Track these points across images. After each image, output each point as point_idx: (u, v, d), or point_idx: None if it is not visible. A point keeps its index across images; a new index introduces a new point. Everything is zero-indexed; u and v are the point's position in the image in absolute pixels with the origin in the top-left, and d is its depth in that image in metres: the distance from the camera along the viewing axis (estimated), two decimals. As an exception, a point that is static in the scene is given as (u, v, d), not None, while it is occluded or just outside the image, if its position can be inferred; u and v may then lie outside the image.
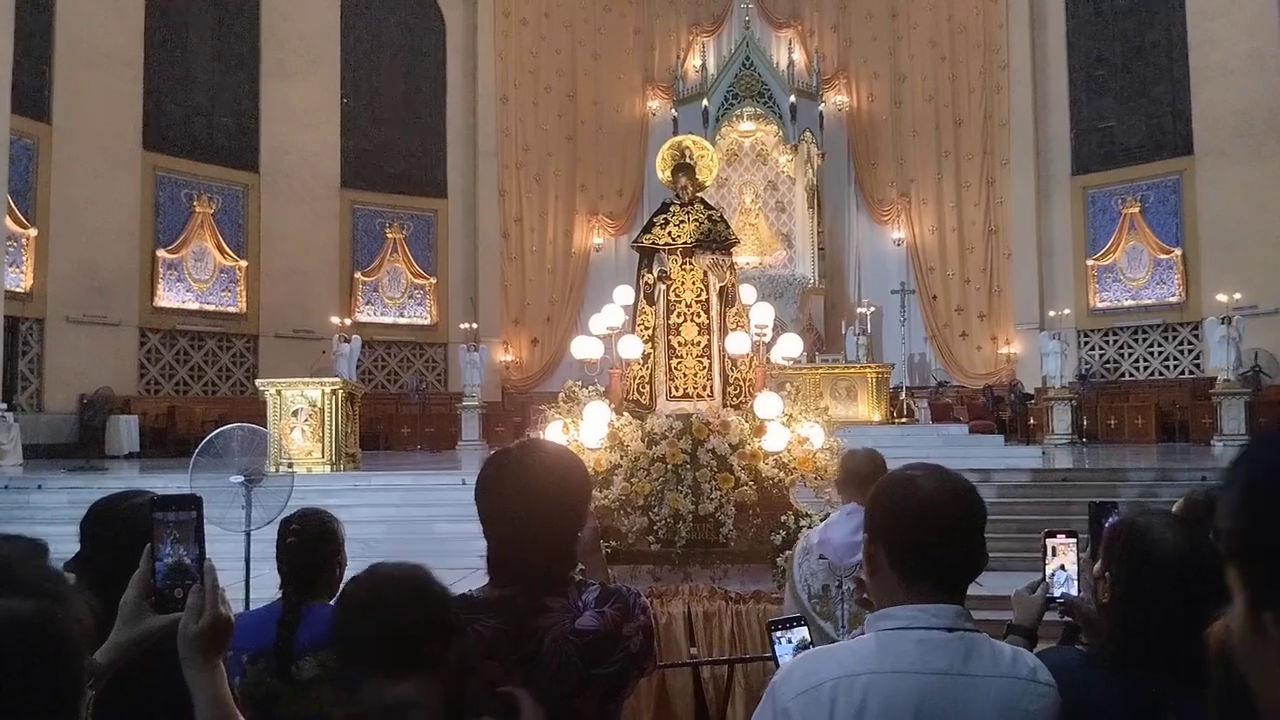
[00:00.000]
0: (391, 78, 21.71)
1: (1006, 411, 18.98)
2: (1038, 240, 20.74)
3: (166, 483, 9.44)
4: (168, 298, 18.45)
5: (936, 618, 1.55)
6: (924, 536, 1.58)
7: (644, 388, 5.90)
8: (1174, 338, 19.46)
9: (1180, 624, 1.59)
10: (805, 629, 2.25)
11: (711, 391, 5.86)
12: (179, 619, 1.42)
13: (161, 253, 18.31)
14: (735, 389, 5.86)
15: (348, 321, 18.80)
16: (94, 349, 16.96)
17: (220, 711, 1.40)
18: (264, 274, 19.55)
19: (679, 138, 6.46)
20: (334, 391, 12.52)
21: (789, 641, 2.19)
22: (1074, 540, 2.11)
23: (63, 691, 1.00)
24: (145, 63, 18.30)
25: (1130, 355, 20.01)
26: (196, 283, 18.84)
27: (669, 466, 5.25)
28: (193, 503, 1.50)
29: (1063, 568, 2.09)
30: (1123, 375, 20.00)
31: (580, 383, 5.75)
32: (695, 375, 5.90)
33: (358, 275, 20.93)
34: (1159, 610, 1.67)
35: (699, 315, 5.95)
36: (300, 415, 12.39)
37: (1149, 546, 1.74)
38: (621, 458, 5.34)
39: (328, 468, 12.19)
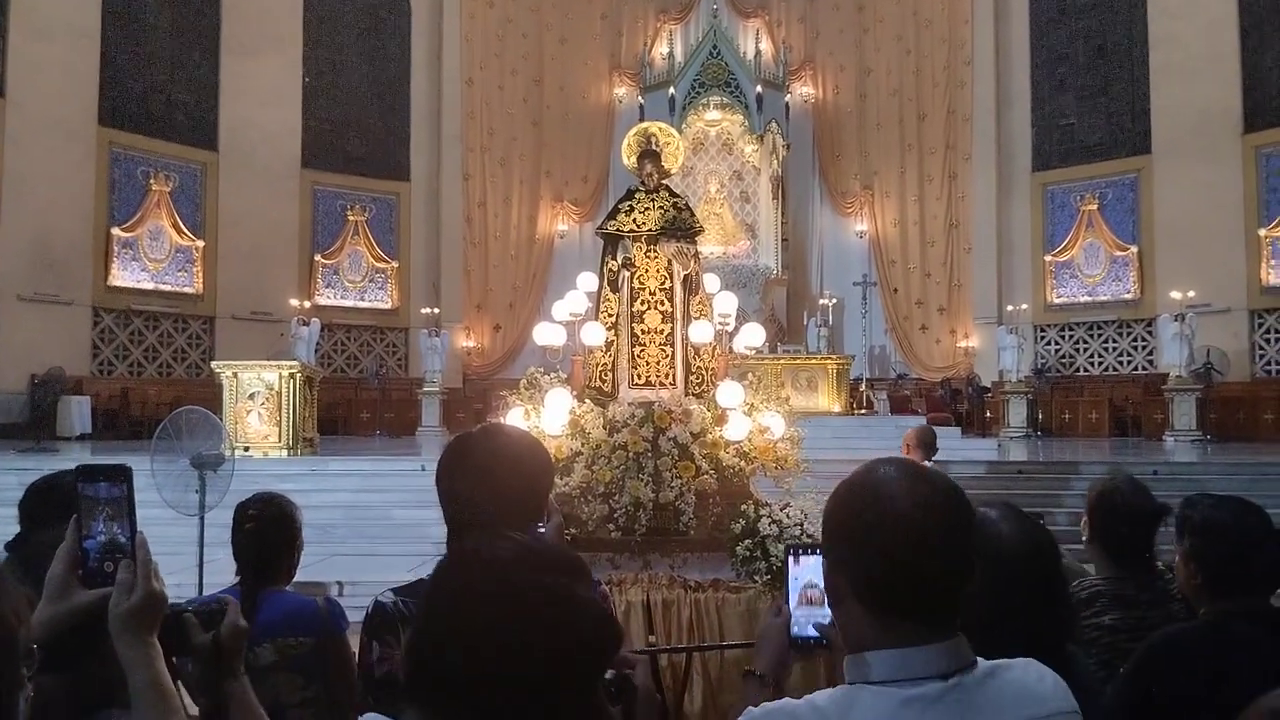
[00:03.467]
0: (355, 57, 21.42)
1: (964, 404, 19.22)
2: (997, 235, 20.97)
3: (123, 463, 9.27)
4: (122, 277, 18.10)
5: (926, 664, 1.24)
6: (894, 561, 1.24)
7: (606, 375, 5.89)
8: (1128, 334, 19.79)
9: (1033, 611, 1.66)
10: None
11: (674, 380, 5.86)
12: (109, 594, 1.36)
13: (117, 231, 17.95)
14: (698, 378, 5.86)
15: (307, 304, 18.58)
16: (46, 328, 16.61)
17: (157, 692, 1.33)
18: (222, 254, 19.24)
19: (646, 124, 6.43)
20: (292, 375, 12.38)
21: (795, 579, 1.68)
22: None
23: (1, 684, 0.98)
24: (103, 36, 17.89)
25: (1085, 350, 20.32)
26: (152, 262, 18.50)
27: (630, 454, 5.24)
28: (122, 474, 1.44)
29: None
30: (1078, 370, 20.31)
31: (542, 369, 5.73)
32: (658, 363, 5.89)
33: (318, 257, 20.67)
34: (1010, 600, 1.62)
35: (663, 303, 5.94)
36: (257, 399, 12.24)
37: (989, 539, 1.68)
38: (583, 445, 5.32)
39: (284, 452, 12.06)
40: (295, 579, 2.96)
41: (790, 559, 1.69)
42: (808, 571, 1.66)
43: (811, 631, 1.63)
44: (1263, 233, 17.77)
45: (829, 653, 1.61)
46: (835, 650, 1.52)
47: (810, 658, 1.66)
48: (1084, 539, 2.78)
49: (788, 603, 1.67)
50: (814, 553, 1.63)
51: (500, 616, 1.00)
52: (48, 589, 1.40)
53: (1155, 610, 2.49)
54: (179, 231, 18.82)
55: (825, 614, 1.56)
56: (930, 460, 6.57)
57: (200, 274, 19.14)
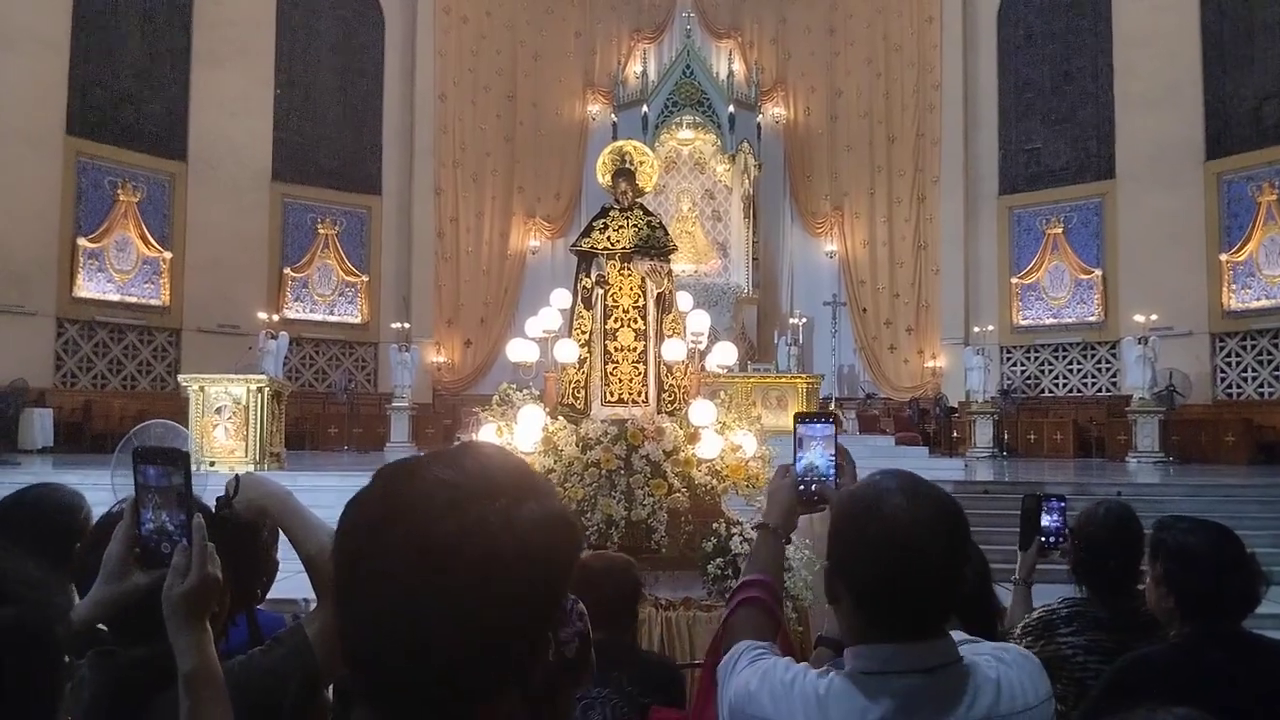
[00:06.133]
0: (327, 70, 21.35)
1: (931, 424, 19.37)
2: (965, 257, 21.21)
3: (82, 478, 9.13)
4: (88, 288, 17.86)
5: (910, 659, 1.37)
6: (890, 572, 1.36)
7: (579, 392, 5.90)
8: (1092, 356, 20.06)
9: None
10: (831, 427, 1.89)
11: (646, 397, 5.87)
12: (164, 576, 1.36)
13: (82, 241, 17.73)
14: (670, 395, 5.88)
15: (275, 317, 18.40)
16: (8, 339, 16.35)
17: (206, 676, 1.33)
18: (189, 266, 19.04)
19: (620, 143, 6.46)
20: (259, 389, 12.25)
21: (801, 455, 1.85)
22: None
23: (40, 694, 1.00)
24: (72, 45, 17.70)
25: (1050, 372, 20.57)
26: (118, 273, 18.27)
27: (602, 472, 5.25)
28: (180, 459, 1.44)
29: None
30: (1043, 391, 20.54)
31: (515, 386, 5.72)
32: (631, 381, 5.91)
33: (287, 271, 20.51)
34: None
35: (636, 321, 5.96)
36: (224, 413, 12.10)
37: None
38: (555, 462, 5.32)
39: (251, 467, 11.91)
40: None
41: (797, 424, 1.86)
42: (812, 433, 1.85)
43: (814, 488, 1.82)
44: (1224, 258, 18.10)
45: (827, 508, 1.76)
46: (831, 505, 1.68)
47: (813, 510, 1.83)
48: (1069, 561, 2.82)
49: (794, 464, 1.85)
50: (822, 419, 1.86)
51: (422, 591, 0.79)
52: (104, 568, 1.42)
53: (1135, 635, 2.50)
54: (146, 243, 18.61)
55: (826, 464, 1.81)
56: None
57: (167, 286, 18.93)
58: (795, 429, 1.86)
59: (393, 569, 0.80)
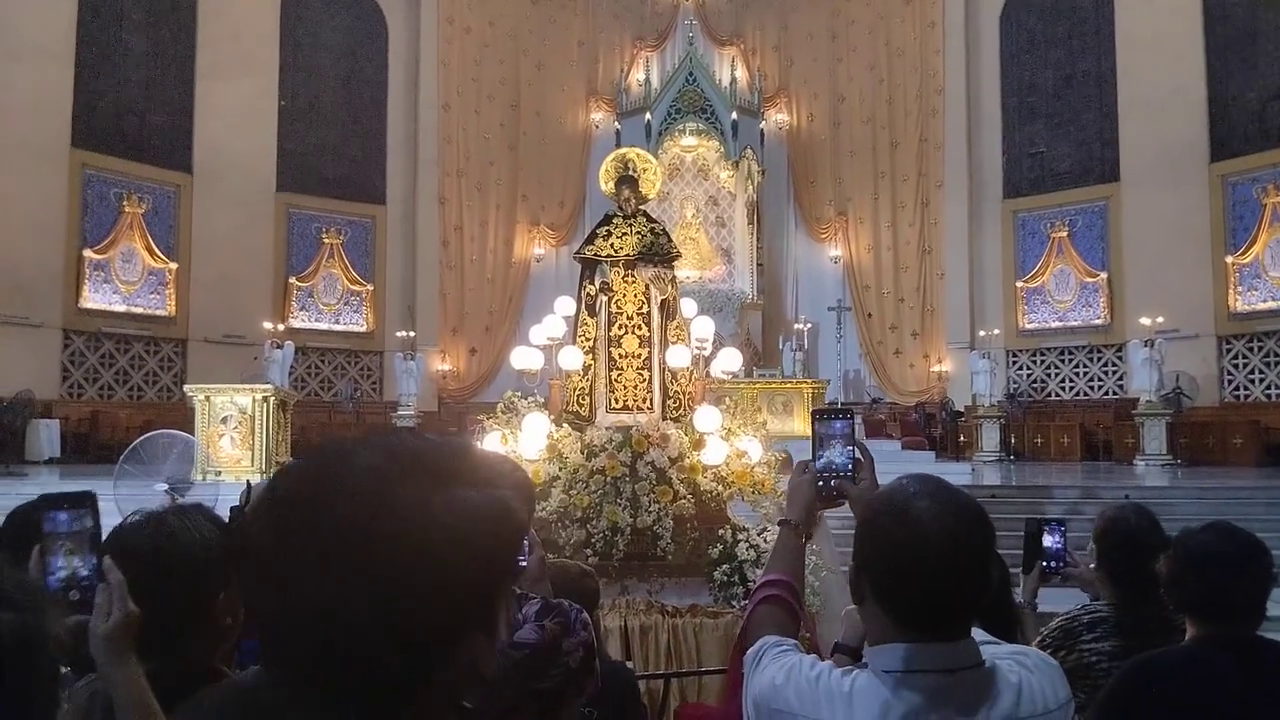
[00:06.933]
0: (331, 81, 21.42)
1: (938, 428, 19.33)
2: (969, 261, 21.19)
3: (88, 489, 9.15)
4: (94, 299, 17.91)
5: (932, 659, 1.38)
6: (912, 576, 1.38)
7: (584, 399, 5.90)
8: (1099, 359, 20.01)
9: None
10: (849, 424, 1.89)
11: (651, 404, 5.87)
12: (83, 621, 1.41)
13: (88, 253, 17.78)
14: (675, 402, 5.88)
15: (281, 327, 18.45)
16: (14, 350, 16.39)
17: (142, 709, 1.38)
18: (195, 277, 19.09)
19: (623, 150, 6.48)
20: (265, 398, 12.28)
21: (821, 452, 1.87)
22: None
23: (38, 702, 1.01)
24: (77, 57, 17.79)
25: (1057, 375, 20.52)
26: (124, 284, 18.33)
27: (608, 479, 5.24)
28: (87, 502, 1.46)
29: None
30: (1049, 395, 20.49)
31: (520, 393, 5.72)
32: (635, 388, 5.90)
33: (292, 280, 20.55)
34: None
35: (640, 328, 5.96)
36: (230, 422, 12.13)
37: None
38: (560, 470, 5.31)
39: (257, 476, 11.91)
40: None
41: (815, 421, 1.88)
42: (831, 430, 1.86)
43: (833, 484, 1.83)
44: (1230, 260, 18.06)
45: (847, 502, 1.82)
46: (851, 501, 1.78)
47: (832, 505, 1.86)
48: (1091, 565, 2.80)
49: (814, 460, 1.86)
50: (840, 416, 1.87)
51: (338, 578, 0.72)
52: None
53: (1160, 640, 2.46)
54: (152, 254, 18.67)
55: (845, 461, 1.83)
56: None
57: (173, 296, 18.98)
58: (813, 425, 1.88)
59: (309, 551, 0.73)
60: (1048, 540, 2.91)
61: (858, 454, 1.85)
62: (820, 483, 1.83)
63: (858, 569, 1.47)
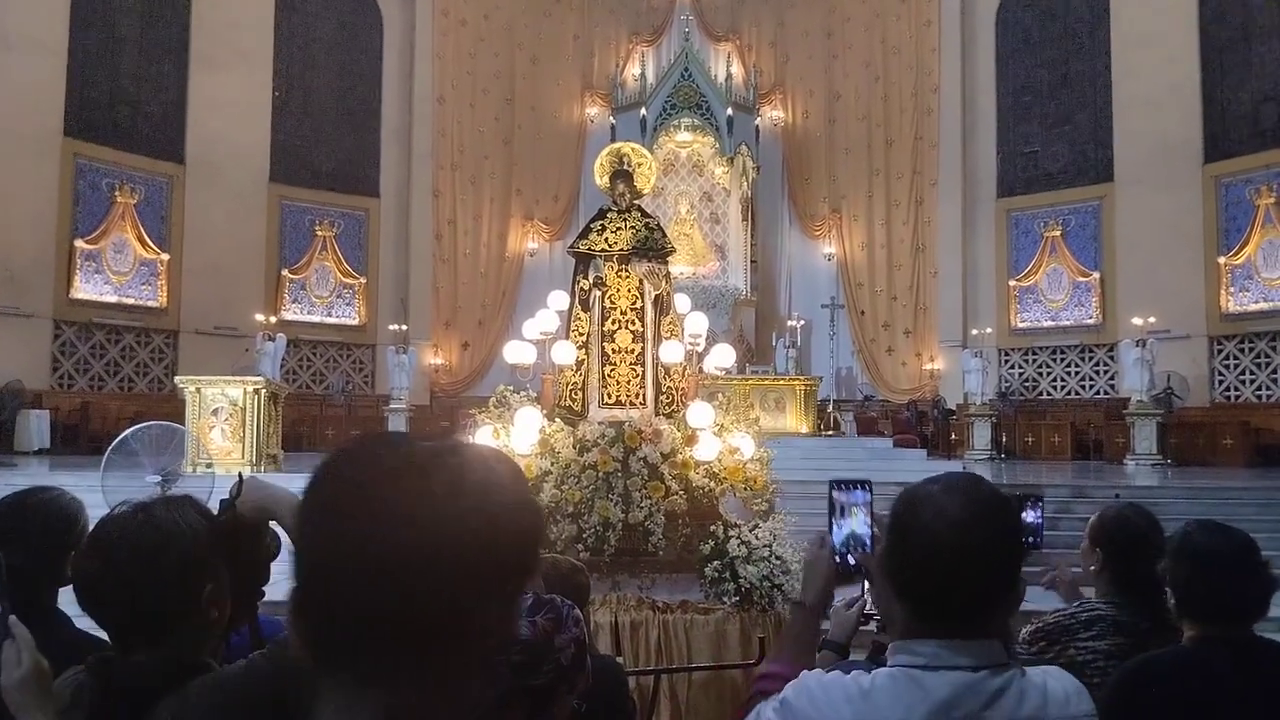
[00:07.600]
0: (325, 73, 21.34)
1: (929, 426, 19.36)
2: (963, 260, 21.22)
3: (78, 480, 9.11)
4: (85, 289, 17.84)
5: (953, 656, 1.37)
6: (927, 568, 1.38)
7: (577, 394, 5.88)
8: (1090, 359, 20.06)
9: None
10: (869, 496, 1.81)
11: (644, 400, 5.86)
12: None
13: (80, 243, 17.70)
14: (668, 398, 5.87)
15: (273, 319, 18.38)
16: (4, 340, 16.32)
17: None
18: (187, 268, 19.02)
19: (618, 145, 6.46)
20: (256, 390, 12.23)
21: (841, 524, 1.77)
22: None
23: None
24: (70, 47, 17.69)
25: (1049, 375, 20.57)
26: (115, 275, 18.25)
27: (600, 474, 5.23)
28: None
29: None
30: (1041, 394, 20.54)
31: (512, 388, 5.71)
32: (628, 383, 5.89)
33: (284, 273, 20.49)
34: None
35: (633, 323, 5.95)
36: (220, 414, 12.08)
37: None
38: (552, 465, 5.31)
39: (248, 469, 11.89)
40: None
41: (834, 490, 1.78)
42: (852, 500, 1.77)
43: (851, 561, 1.75)
44: (1222, 260, 18.11)
45: (867, 579, 1.77)
46: (871, 576, 1.70)
47: (852, 583, 1.80)
48: (1090, 565, 2.78)
49: (831, 533, 1.77)
50: (861, 486, 1.77)
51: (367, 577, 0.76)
52: None
53: (1156, 639, 2.46)
54: (143, 244, 18.59)
55: (865, 533, 1.74)
56: None
57: (164, 288, 18.90)
58: (831, 495, 1.78)
59: (369, 530, 0.76)
60: (1028, 516, 2.89)
61: (876, 530, 1.73)
62: (836, 559, 1.75)
63: (883, 564, 1.48)
